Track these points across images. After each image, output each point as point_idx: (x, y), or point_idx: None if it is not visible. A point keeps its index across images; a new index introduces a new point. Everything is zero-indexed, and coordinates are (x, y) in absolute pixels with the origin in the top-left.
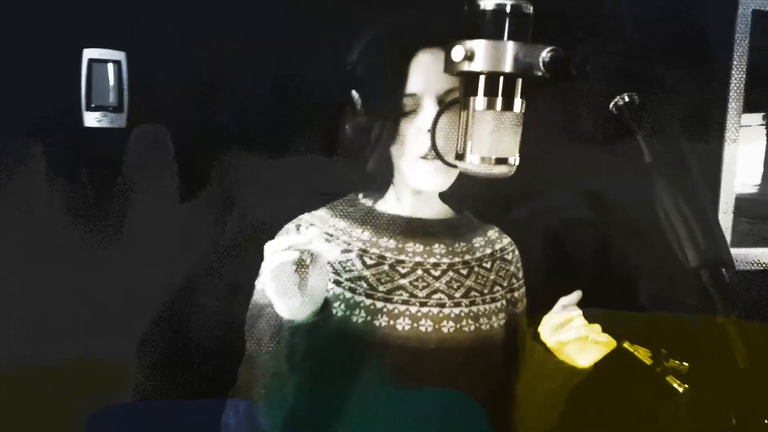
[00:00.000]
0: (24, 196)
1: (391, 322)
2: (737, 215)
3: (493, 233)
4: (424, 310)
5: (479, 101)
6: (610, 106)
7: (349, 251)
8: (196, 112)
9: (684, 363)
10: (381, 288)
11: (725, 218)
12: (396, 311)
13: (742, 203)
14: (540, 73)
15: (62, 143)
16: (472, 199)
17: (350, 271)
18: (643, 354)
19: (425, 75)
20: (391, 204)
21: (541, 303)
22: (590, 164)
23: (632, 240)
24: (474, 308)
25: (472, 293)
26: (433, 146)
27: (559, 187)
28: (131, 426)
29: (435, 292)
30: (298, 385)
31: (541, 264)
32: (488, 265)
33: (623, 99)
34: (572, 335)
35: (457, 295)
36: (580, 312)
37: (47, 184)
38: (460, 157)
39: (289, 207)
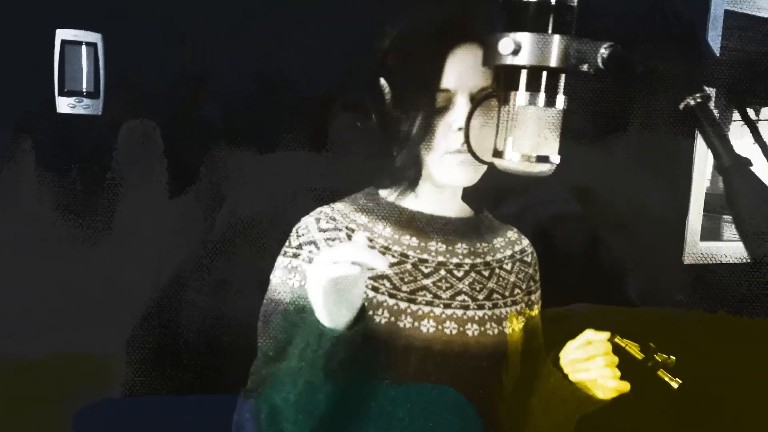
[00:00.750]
0: (12, 191)
1: (415, 324)
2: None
3: (512, 234)
4: (449, 312)
5: (521, 96)
6: (680, 106)
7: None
8: (184, 108)
9: (671, 357)
10: (404, 288)
11: (698, 215)
12: (420, 312)
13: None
14: (588, 69)
15: (49, 138)
16: (493, 198)
17: (372, 268)
18: (634, 349)
19: (460, 71)
20: (413, 200)
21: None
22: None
23: (623, 235)
24: (497, 311)
25: (495, 296)
26: (467, 142)
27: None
28: (120, 421)
29: (458, 293)
30: (332, 392)
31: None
32: (509, 267)
33: (695, 99)
34: (591, 376)
35: (480, 297)
36: (606, 348)
37: (36, 179)
38: (498, 154)
39: (277, 202)
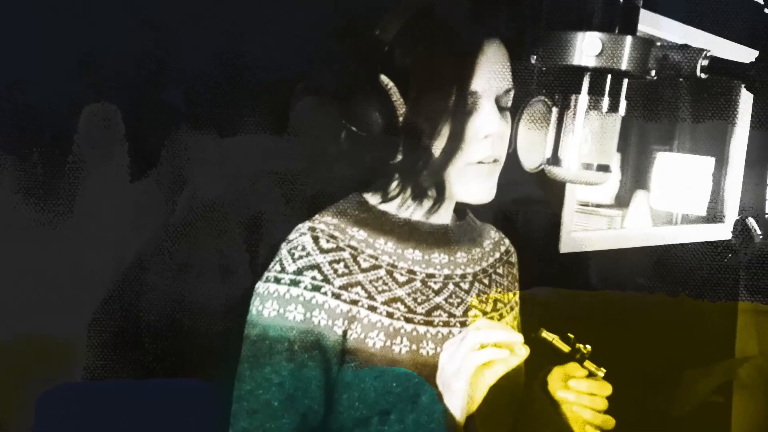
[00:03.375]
0: None
1: (438, 350)
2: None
3: (495, 234)
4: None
5: (582, 100)
6: None
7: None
8: (146, 91)
9: (587, 346)
10: (419, 309)
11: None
12: (440, 336)
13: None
14: (683, 77)
15: (9, 121)
16: None
17: (383, 291)
18: (560, 343)
19: (489, 72)
20: (410, 209)
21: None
22: None
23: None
24: (504, 321)
25: (498, 305)
26: (515, 149)
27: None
28: (82, 405)
29: (469, 308)
30: None
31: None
32: (501, 271)
33: None
34: (582, 414)
35: (488, 309)
36: (605, 392)
37: None
38: (555, 161)
39: (239, 186)
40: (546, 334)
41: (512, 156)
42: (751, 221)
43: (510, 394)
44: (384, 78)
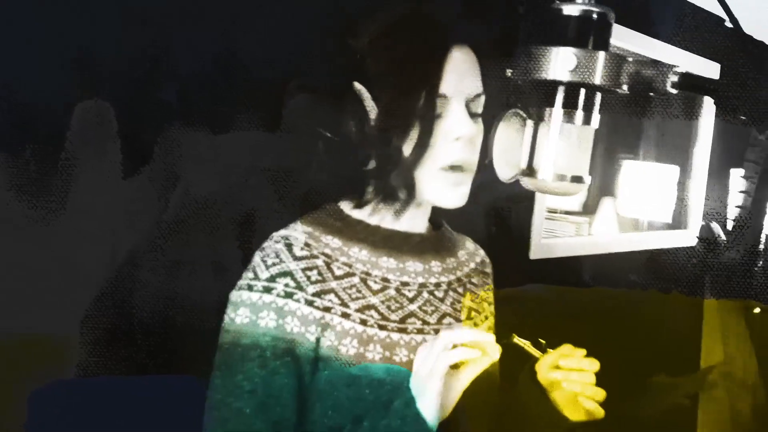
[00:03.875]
0: None
1: (411, 356)
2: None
3: (470, 244)
4: None
5: (557, 113)
6: (761, 136)
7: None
8: (139, 88)
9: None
10: (393, 317)
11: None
12: (413, 343)
13: None
14: (654, 92)
15: (3, 118)
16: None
17: (357, 299)
18: (532, 348)
19: (458, 74)
20: (383, 216)
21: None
22: None
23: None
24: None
25: (473, 313)
26: (490, 160)
27: None
28: (75, 402)
29: (444, 316)
30: None
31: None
32: (475, 281)
33: None
34: (576, 388)
35: (462, 317)
36: (594, 367)
37: None
38: (530, 173)
39: (231, 183)
40: (518, 340)
41: (487, 166)
42: (716, 226)
43: (485, 397)
44: (357, 85)
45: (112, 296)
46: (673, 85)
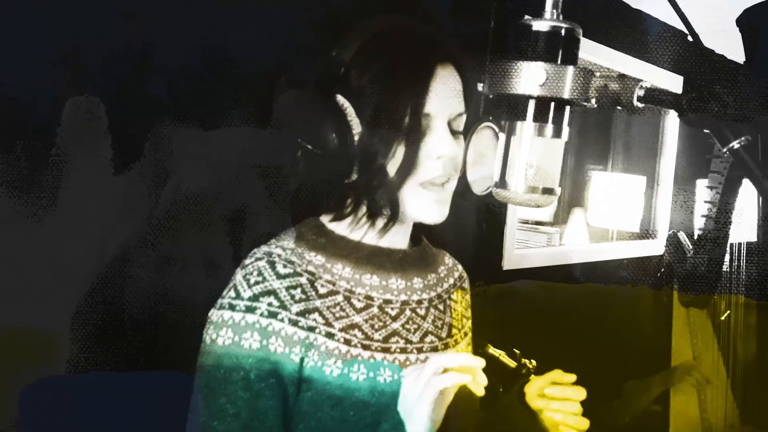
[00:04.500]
0: None
1: (395, 376)
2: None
3: (448, 259)
4: (422, 357)
5: (527, 127)
6: (724, 149)
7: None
8: (129, 83)
9: (532, 361)
10: (376, 336)
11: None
12: (396, 362)
13: None
14: (621, 106)
15: None
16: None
17: (341, 318)
18: (506, 358)
19: (442, 94)
20: (366, 232)
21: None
22: None
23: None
24: (458, 347)
25: (453, 330)
26: (464, 172)
27: None
28: (66, 398)
29: (426, 334)
30: None
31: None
32: (455, 297)
33: (741, 142)
34: (558, 417)
35: (443, 335)
36: (579, 396)
37: None
38: (502, 185)
39: (222, 179)
40: (492, 350)
41: (461, 179)
42: (683, 236)
43: (468, 413)
44: (340, 98)
45: (103, 292)
46: (639, 99)
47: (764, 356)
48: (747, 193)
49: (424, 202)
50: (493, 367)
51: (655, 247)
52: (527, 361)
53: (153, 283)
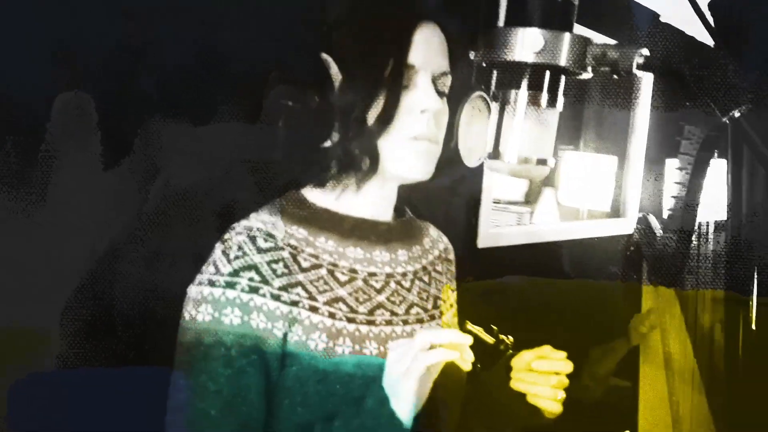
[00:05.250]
0: None
1: (381, 349)
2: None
3: (433, 231)
4: (408, 329)
5: (522, 96)
6: (724, 118)
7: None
8: (119, 80)
9: (509, 337)
10: (361, 309)
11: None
12: (382, 335)
13: None
14: (620, 73)
15: None
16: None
17: (325, 291)
18: (485, 335)
19: (426, 48)
20: (351, 204)
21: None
22: None
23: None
24: (444, 319)
25: (438, 302)
26: (456, 144)
27: None
28: (55, 394)
29: (411, 306)
30: None
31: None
32: (440, 268)
33: (741, 111)
34: (541, 391)
35: (429, 306)
36: (567, 369)
37: None
38: (495, 155)
39: (212, 174)
40: (471, 327)
41: (453, 151)
42: (652, 218)
43: (455, 388)
44: (324, 55)
45: (92, 288)
46: (639, 67)
47: (731, 332)
48: (716, 173)
49: (408, 156)
50: (471, 344)
51: (626, 226)
52: (504, 337)
53: (143, 278)
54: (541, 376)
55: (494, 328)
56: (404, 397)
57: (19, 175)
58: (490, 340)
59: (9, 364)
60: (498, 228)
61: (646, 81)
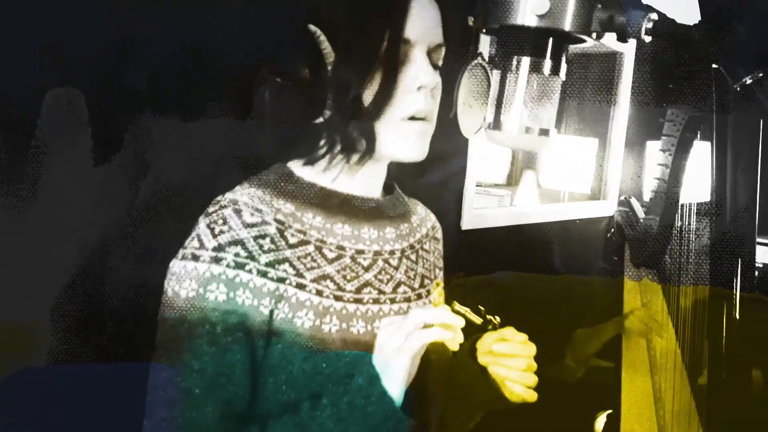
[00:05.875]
0: None
1: (368, 327)
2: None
3: (421, 209)
4: (395, 307)
5: (524, 62)
6: (735, 85)
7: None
8: (109, 75)
9: (497, 317)
10: (348, 287)
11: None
12: (369, 313)
13: None
14: (626, 39)
15: None
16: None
17: (312, 268)
18: (472, 315)
19: (421, 20)
20: (340, 180)
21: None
22: None
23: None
24: (431, 298)
25: (425, 281)
26: (455, 114)
27: None
28: (45, 390)
29: (399, 284)
30: None
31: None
32: (427, 247)
33: (753, 77)
34: (509, 374)
35: (416, 285)
36: (530, 352)
37: None
38: (496, 125)
39: (202, 170)
40: (458, 307)
41: (451, 121)
42: (634, 201)
43: (438, 368)
44: (312, 27)
45: (83, 284)
46: (648, 32)
47: (715, 311)
48: (699, 155)
49: (405, 136)
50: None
51: (607, 209)
52: (492, 317)
53: (133, 274)
54: (508, 359)
55: (481, 308)
56: (396, 375)
57: (9, 171)
58: (477, 320)
59: None
60: (481, 210)
61: (628, 60)
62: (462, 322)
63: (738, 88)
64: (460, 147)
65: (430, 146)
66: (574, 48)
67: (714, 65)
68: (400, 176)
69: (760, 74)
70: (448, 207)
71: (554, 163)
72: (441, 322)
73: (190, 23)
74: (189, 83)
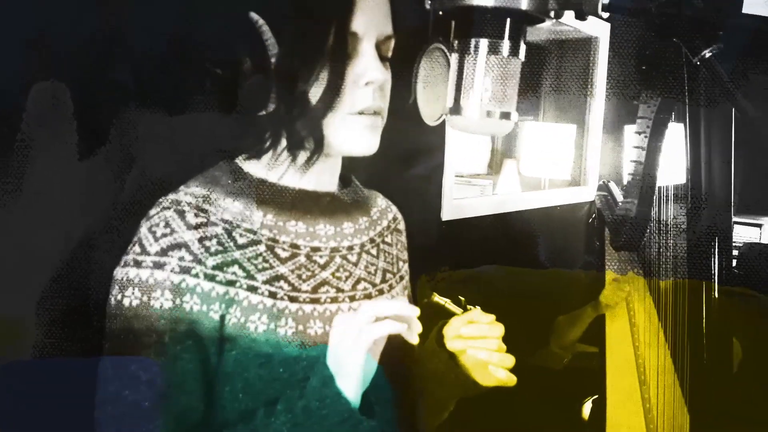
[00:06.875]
0: None
1: (326, 328)
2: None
3: (381, 201)
4: (355, 305)
5: (482, 44)
6: (695, 59)
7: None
8: (95, 69)
9: (477, 307)
10: (304, 287)
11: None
12: (328, 313)
13: None
14: (584, 16)
15: None
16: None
17: (264, 269)
18: (452, 306)
19: (369, 12)
20: (291, 175)
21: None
22: None
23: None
24: (393, 292)
25: (387, 275)
26: (414, 100)
27: None
28: (30, 383)
29: (358, 281)
30: None
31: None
32: (389, 240)
33: (713, 50)
34: (482, 356)
35: (377, 280)
36: (497, 332)
37: None
38: (456, 110)
39: (187, 164)
40: (438, 299)
41: (410, 109)
42: (613, 185)
43: (400, 364)
44: (254, 15)
45: (68, 278)
46: (605, 8)
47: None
48: (674, 137)
49: (353, 130)
50: (441, 316)
51: (586, 194)
52: (472, 308)
53: None
54: (479, 341)
55: (461, 299)
56: (350, 374)
57: None
58: (457, 311)
59: None
60: (461, 200)
61: (603, 45)
62: (417, 312)
63: (698, 62)
64: (438, 139)
65: (410, 140)
66: (550, 35)
67: (674, 39)
68: (371, 172)
69: (719, 47)
70: (430, 199)
71: (534, 151)
72: (393, 314)
73: (176, 17)
74: (174, 77)
